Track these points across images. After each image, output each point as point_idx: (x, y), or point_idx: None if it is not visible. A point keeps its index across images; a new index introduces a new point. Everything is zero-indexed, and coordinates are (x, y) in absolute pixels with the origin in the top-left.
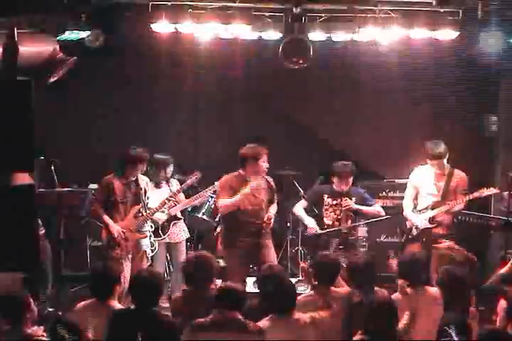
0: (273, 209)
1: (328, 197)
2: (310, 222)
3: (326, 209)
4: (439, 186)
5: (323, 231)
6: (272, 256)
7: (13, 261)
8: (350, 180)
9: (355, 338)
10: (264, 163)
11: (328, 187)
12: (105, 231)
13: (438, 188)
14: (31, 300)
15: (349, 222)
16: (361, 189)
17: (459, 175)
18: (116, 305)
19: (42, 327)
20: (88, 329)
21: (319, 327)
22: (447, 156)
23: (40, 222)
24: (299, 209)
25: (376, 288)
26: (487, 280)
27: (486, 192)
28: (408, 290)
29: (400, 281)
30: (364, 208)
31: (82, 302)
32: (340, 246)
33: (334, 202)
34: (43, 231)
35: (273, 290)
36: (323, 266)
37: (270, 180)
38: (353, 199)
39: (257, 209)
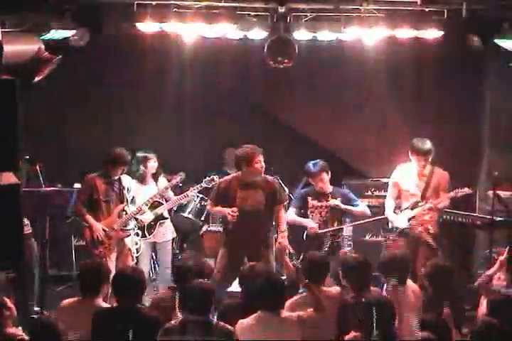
0: (283, 223)
1: (312, 199)
2: (309, 222)
3: (312, 212)
4: (421, 185)
5: (324, 231)
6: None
7: None
8: (325, 177)
9: (348, 337)
10: (257, 164)
11: (312, 188)
12: (88, 231)
13: (420, 187)
14: (7, 299)
15: (335, 223)
16: (345, 189)
17: (440, 173)
18: (101, 303)
19: (20, 328)
20: (72, 326)
21: (307, 326)
22: (432, 154)
23: (27, 221)
24: (291, 214)
25: (372, 288)
26: (472, 279)
27: (460, 192)
28: (390, 289)
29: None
30: (351, 208)
31: (67, 300)
32: (326, 248)
33: (319, 204)
34: (30, 231)
35: (262, 288)
36: (312, 265)
37: (271, 179)
38: (338, 199)
39: (254, 211)
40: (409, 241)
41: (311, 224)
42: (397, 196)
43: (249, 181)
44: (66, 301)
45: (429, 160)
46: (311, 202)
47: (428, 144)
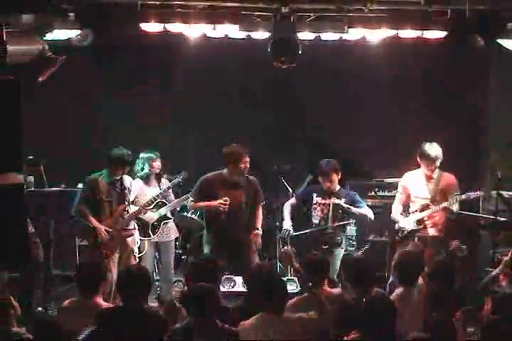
0: (259, 222)
1: (317, 196)
2: (286, 224)
3: (315, 208)
4: (430, 189)
5: (296, 233)
6: (253, 259)
7: (2, 261)
8: (335, 177)
9: (348, 338)
10: (243, 165)
11: (319, 186)
12: (91, 231)
13: (429, 191)
14: (12, 298)
15: (336, 222)
16: (352, 191)
17: (449, 177)
18: (101, 302)
19: (24, 328)
20: (74, 326)
21: (308, 326)
22: (441, 159)
23: (28, 220)
24: (287, 207)
25: (375, 289)
26: (477, 279)
27: (472, 195)
28: (401, 291)
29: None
30: (353, 208)
31: (68, 300)
32: (325, 246)
33: (323, 201)
34: (33, 230)
35: (263, 289)
36: (313, 266)
37: (253, 180)
38: (343, 199)
39: (236, 210)
40: (415, 242)
41: (286, 225)
42: (406, 200)
43: (233, 180)
44: (67, 301)
45: (437, 164)
46: (316, 198)
47: (437, 150)
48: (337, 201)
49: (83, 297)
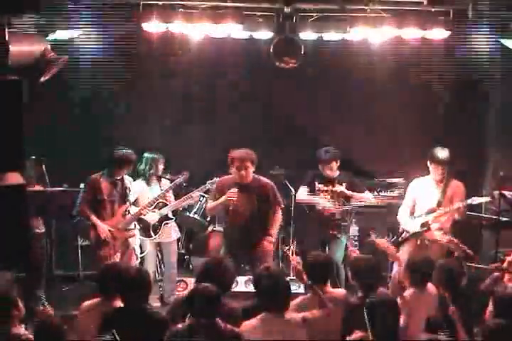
0: (273, 227)
1: (319, 183)
2: (324, 203)
3: (317, 195)
4: (438, 194)
5: (341, 209)
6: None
7: (4, 260)
8: (334, 165)
9: (352, 337)
10: (242, 170)
11: (319, 173)
12: (93, 231)
13: (437, 196)
14: (18, 299)
15: (340, 208)
16: (352, 175)
17: (456, 184)
18: (121, 304)
19: (23, 326)
20: (94, 328)
21: (311, 327)
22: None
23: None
24: (303, 193)
25: (380, 289)
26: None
27: (477, 200)
28: (412, 292)
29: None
30: (355, 194)
31: (88, 302)
32: (332, 232)
33: (325, 188)
34: (43, 230)
35: (267, 290)
36: (315, 266)
37: (266, 183)
38: (344, 184)
39: (247, 215)
40: (420, 243)
41: (326, 204)
42: (413, 204)
43: (243, 184)
44: (87, 303)
45: (446, 168)
46: (318, 185)
47: (447, 153)
48: (340, 188)
49: (104, 299)
